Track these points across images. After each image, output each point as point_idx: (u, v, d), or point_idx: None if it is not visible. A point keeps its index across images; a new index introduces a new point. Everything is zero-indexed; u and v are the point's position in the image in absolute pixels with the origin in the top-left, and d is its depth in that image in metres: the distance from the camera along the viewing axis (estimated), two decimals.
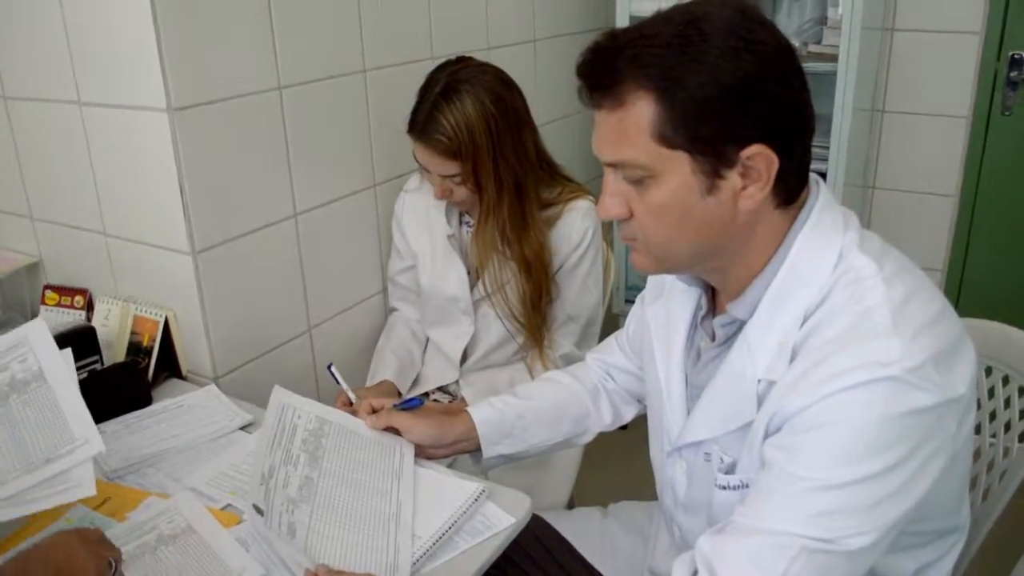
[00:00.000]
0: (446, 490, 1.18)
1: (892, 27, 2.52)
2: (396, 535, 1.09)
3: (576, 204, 1.65)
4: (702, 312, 1.08)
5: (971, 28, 2.43)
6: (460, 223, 1.71)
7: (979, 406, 1.30)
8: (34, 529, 1.13)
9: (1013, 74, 2.44)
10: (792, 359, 0.91)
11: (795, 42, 2.49)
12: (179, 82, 1.36)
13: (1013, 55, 2.43)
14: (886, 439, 0.83)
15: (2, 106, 1.64)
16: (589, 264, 1.67)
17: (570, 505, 1.73)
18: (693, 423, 1.05)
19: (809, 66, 2.32)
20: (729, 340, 1.01)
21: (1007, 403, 1.27)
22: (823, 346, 0.88)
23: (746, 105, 0.86)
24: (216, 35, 1.42)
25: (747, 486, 0.98)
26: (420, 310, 1.81)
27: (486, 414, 1.30)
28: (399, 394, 1.67)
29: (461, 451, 1.32)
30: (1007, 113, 2.49)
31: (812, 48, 2.41)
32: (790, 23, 2.62)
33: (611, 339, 1.41)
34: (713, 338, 1.05)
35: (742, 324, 0.98)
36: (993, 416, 1.29)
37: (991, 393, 1.29)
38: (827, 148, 2.29)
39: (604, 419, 1.36)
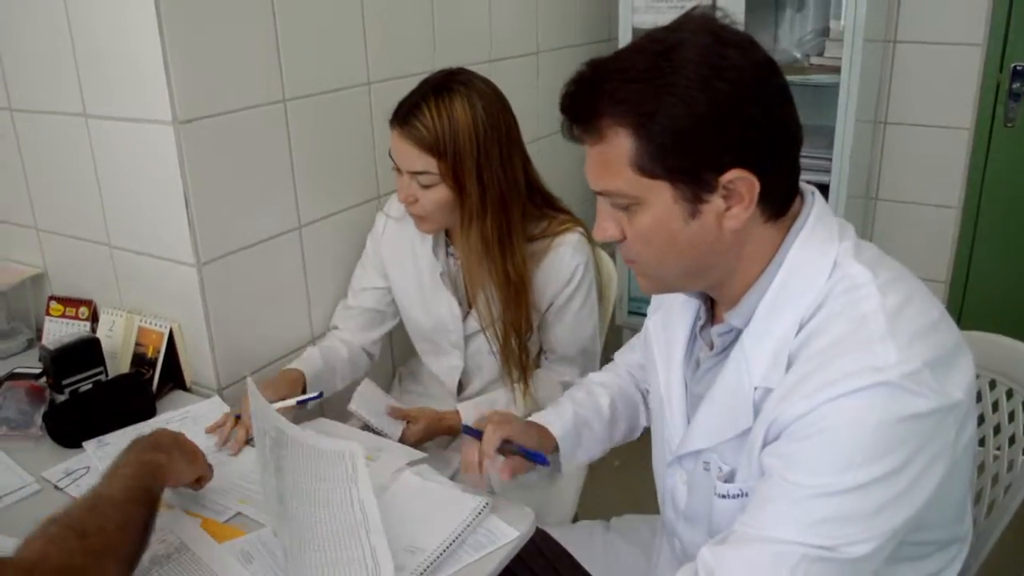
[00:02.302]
0: (449, 503, 1.18)
1: (894, 39, 2.53)
2: (369, 538, 1.06)
3: (565, 238, 1.57)
4: (701, 322, 1.09)
5: (973, 40, 2.44)
6: (447, 255, 1.64)
7: (983, 420, 1.30)
8: None
9: (1015, 86, 2.45)
10: (789, 367, 0.92)
11: (797, 54, 2.50)
12: (185, 95, 1.37)
13: (1015, 67, 2.43)
14: (885, 444, 0.83)
15: (8, 118, 1.65)
16: (582, 299, 1.60)
17: (574, 518, 1.72)
18: (692, 432, 1.05)
19: (811, 78, 2.34)
20: (726, 349, 1.02)
21: (1011, 417, 1.26)
22: (819, 353, 0.89)
23: (722, 132, 0.86)
24: (221, 48, 1.43)
25: (746, 495, 0.98)
26: (372, 333, 1.72)
27: (562, 427, 1.28)
28: (304, 389, 1.52)
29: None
30: (1009, 125, 2.49)
31: (814, 60, 2.42)
32: (792, 35, 2.63)
33: (633, 341, 1.42)
34: (711, 347, 1.06)
35: (739, 333, 0.99)
36: (997, 429, 1.29)
37: (995, 406, 1.29)
38: (829, 160, 2.29)
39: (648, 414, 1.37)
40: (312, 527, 1.09)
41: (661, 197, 0.90)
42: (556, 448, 1.28)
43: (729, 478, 1.00)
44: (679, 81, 0.85)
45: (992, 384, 1.29)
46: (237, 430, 1.39)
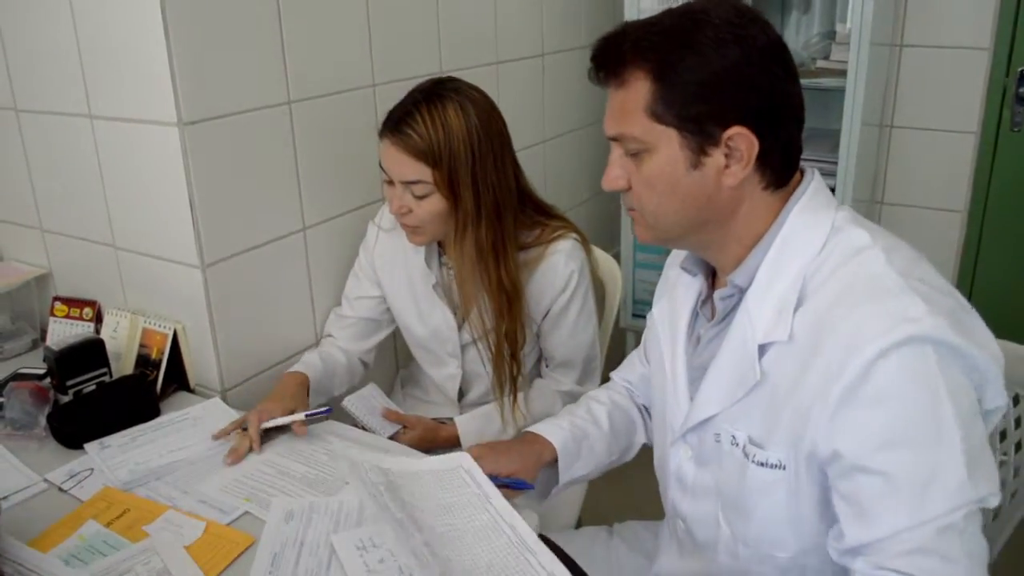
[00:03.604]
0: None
1: (901, 43, 2.52)
2: (538, 560, 1.04)
3: (558, 245, 1.54)
4: (702, 297, 1.12)
5: (980, 44, 2.43)
6: (440, 265, 1.62)
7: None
8: (48, 544, 1.14)
9: (1022, 90, 2.44)
10: (802, 331, 0.94)
11: (803, 57, 2.49)
12: (190, 96, 1.37)
13: (1022, 71, 2.43)
14: (955, 394, 0.86)
15: (14, 118, 1.66)
16: (579, 306, 1.58)
17: (578, 524, 1.72)
18: (699, 402, 1.07)
19: (818, 81, 2.34)
20: (728, 316, 1.05)
21: (1018, 422, 1.26)
22: (846, 317, 0.90)
23: (730, 90, 0.94)
24: (227, 50, 1.43)
25: (784, 468, 0.98)
26: (366, 342, 1.70)
27: (561, 437, 1.28)
28: (308, 392, 1.51)
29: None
30: (1016, 129, 2.48)
31: (821, 64, 2.42)
32: (798, 38, 2.63)
33: (632, 356, 1.42)
34: (712, 316, 1.09)
35: (742, 296, 1.02)
36: (1004, 436, 1.28)
37: None
38: (835, 163, 2.29)
39: (646, 431, 1.38)
40: (479, 571, 1.03)
41: (669, 144, 0.97)
42: (554, 460, 1.27)
43: (756, 443, 1.00)
44: (700, 39, 0.94)
45: None
46: (241, 441, 1.36)
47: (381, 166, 1.49)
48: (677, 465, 1.14)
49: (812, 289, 0.96)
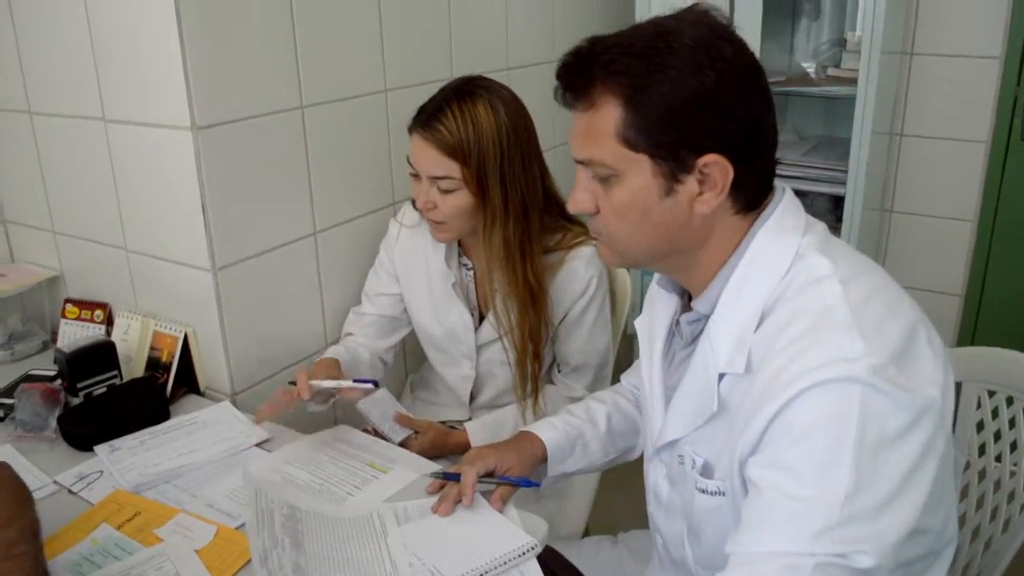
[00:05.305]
0: (495, 535, 1.15)
1: (911, 51, 2.52)
2: None
3: (579, 251, 1.55)
4: (678, 316, 1.11)
5: (990, 53, 2.43)
6: (460, 265, 1.64)
7: (999, 436, 1.30)
8: (60, 547, 1.14)
9: None
10: (755, 361, 0.92)
11: (812, 65, 2.49)
12: (203, 101, 1.38)
13: None
14: (867, 442, 0.82)
15: (27, 121, 1.66)
16: (596, 312, 1.60)
17: (585, 533, 1.72)
18: (667, 423, 1.07)
19: (827, 89, 2.34)
20: (696, 339, 1.04)
21: None
22: (787, 347, 0.89)
23: (705, 117, 0.90)
24: (240, 55, 1.43)
25: (724, 494, 0.98)
26: (387, 340, 1.71)
27: (553, 436, 1.30)
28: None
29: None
30: None
31: (831, 72, 2.42)
32: (808, 46, 2.63)
33: (639, 360, 1.42)
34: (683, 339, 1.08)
35: (707, 321, 1.01)
36: (1014, 446, 1.28)
37: (1012, 423, 1.28)
38: (845, 172, 2.29)
39: None
40: None
41: (640, 171, 0.93)
42: (547, 457, 1.29)
43: (706, 472, 1.01)
44: (673, 62, 0.90)
45: (1010, 400, 1.29)
46: (286, 399, 1.37)
47: (409, 160, 1.50)
48: (655, 481, 1.13)
49: (770, 325, 0.93)
